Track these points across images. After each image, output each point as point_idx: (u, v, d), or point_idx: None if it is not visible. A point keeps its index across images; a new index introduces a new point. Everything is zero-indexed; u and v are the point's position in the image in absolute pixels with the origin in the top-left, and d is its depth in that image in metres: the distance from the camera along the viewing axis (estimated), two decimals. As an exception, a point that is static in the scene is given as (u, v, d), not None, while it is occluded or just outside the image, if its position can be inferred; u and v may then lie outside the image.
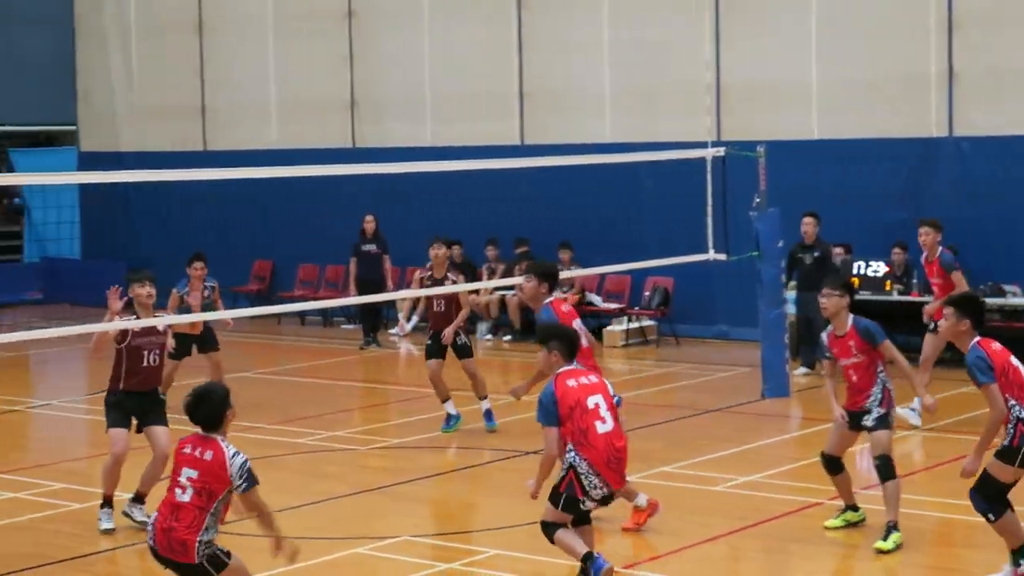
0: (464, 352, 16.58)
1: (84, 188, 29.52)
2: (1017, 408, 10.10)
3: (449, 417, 16.57)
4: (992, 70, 21.39)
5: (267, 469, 14.59)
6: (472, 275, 24.43)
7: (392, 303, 24.86)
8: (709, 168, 18.09)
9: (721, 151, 18.48)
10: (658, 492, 13.33)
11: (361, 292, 23.19)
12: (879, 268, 21.29)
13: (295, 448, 15.92)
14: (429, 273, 16.85)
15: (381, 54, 26.62)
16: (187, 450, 8.90)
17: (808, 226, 20.19)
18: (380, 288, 23.25)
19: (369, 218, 24.52)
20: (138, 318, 12.48)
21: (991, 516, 10.25)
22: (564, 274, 22.57)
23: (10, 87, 32.50)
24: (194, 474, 8.80)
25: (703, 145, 18.88)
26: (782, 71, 22.94)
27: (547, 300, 12.10)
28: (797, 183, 21.68)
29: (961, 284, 15.85)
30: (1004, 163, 21.42)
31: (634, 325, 23.72)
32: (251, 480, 8.81)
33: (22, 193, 32.23)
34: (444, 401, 16.54)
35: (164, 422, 12.54)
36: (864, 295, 20.33)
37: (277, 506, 12.76)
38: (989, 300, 19.52)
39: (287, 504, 12.92)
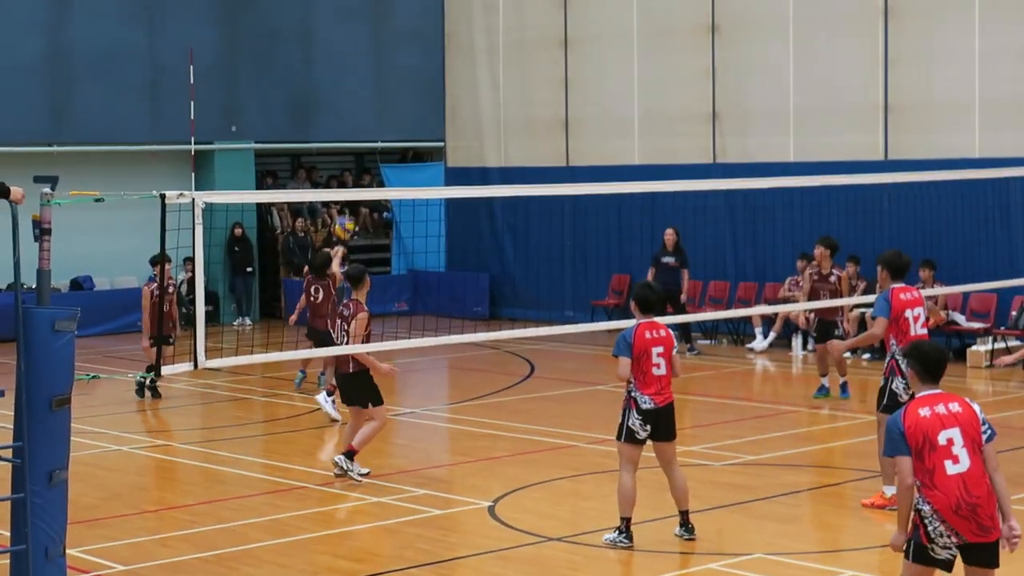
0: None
1: (450, 202, 30.28)
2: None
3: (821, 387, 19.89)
4: None
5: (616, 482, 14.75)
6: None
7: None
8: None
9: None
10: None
11: None
12: None
13: (647, 462, 15.97)
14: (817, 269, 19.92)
15: (744, 67, 26.44)
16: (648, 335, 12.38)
17: None
18: (677, 299, 24.40)
19: (670, 231, 24.96)
20: None
21: None
22: (926, 292, 22.13)
23: (383, 104, 33.62)
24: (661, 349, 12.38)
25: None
26: None
27: None
28: None
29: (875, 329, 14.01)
30: None
31: (1000, 345, 22.93)
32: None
33: (392, 207, 33.27)
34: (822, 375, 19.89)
35: None
36: None
37: (632, 519, 12.87)
38: None
39: (642, 517, 12.99)
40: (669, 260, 24.82)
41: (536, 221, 29.40)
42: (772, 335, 24.82)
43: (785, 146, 25.91)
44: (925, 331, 13.59)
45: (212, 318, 28.84)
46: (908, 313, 13.49)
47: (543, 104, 29.55)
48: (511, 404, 20.06)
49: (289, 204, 32.57)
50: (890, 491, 13.18)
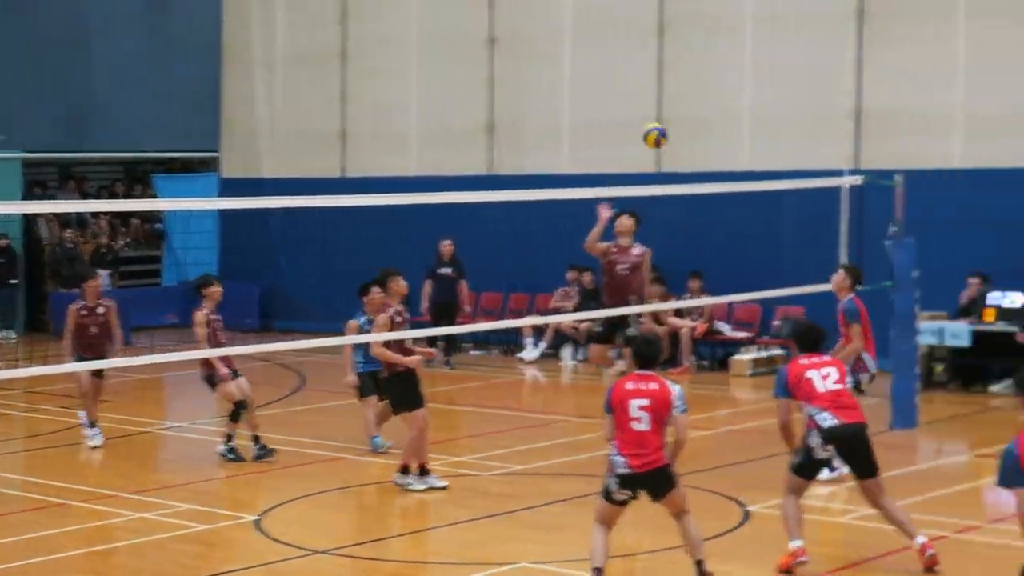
0: None
1: (224, 213, 29.93)
2: None
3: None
4: None
5: (392, 493, 14.74)
6: (598, 303, 24.48)
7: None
8: (846, 196, 17.89)
9: (859, 180, 18.28)
10: (770, 523, 13.16)
11: (435, 314, 24.50)
12: (1016, 300, 21.06)
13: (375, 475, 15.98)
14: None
15: (521, 80, 26.68)
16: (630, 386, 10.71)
17: None
18: (453, 310, 24.61)
19: (447, 242, 25.04)
20: None
21: None
22: (692, 303, 22.61)
23: (158, 114, 33.12)
24: (646, 402, 10.62)
25: (839, 173, 18.69)
26: (924, 98, 22.75)
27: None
28: (935, 212, 21.51)
29: (855, 339, 15.17)
30: None
31: (762, 354, 23.52)
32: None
33: (163, 218, 32.78)
34: None
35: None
36: (999, 326, 20.81)
37: (397, 530, 12.88)
38: None
39: (409, 528, 12.99)
40: (446, 271, 24.87)
41: (311, 232, 29.20)
42: (543, 345, 25.04)
43: (559, 159, 26.16)
44: (839, 386, 12.01)
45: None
46: (812, 373, 11.98)
47: (320, 116, 29.40)
48: (280, 417, 19.87)
49: (57, 215, 31.87)
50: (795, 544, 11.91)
